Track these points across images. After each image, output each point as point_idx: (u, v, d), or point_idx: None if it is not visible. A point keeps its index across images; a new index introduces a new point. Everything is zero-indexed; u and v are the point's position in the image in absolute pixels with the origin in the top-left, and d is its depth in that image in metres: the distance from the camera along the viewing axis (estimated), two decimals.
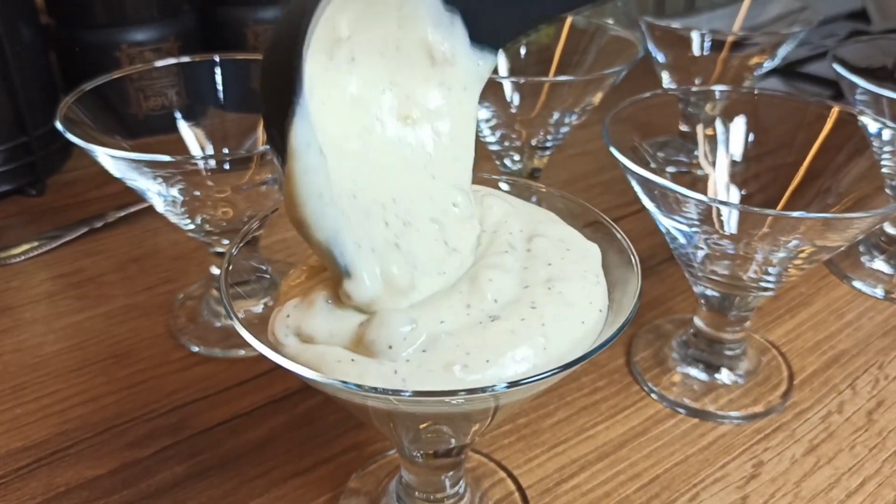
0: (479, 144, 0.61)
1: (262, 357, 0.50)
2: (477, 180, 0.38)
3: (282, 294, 0.32)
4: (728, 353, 0.49)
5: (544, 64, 0.64)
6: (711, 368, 0.49)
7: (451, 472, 0.38)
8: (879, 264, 0.61)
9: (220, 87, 0.55)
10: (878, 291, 0.58)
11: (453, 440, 0.34)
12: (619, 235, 0.33)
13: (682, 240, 0.43)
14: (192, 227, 0.48)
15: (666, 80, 0.73)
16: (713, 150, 0.51)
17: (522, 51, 0.66)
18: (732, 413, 0.47)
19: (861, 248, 0.63)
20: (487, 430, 0.37)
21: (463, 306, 0.29)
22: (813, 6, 0.73)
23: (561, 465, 0.43)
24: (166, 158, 0.41)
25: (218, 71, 0.55)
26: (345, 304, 0.29)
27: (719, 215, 0.40)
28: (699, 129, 0.52)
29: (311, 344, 0.29)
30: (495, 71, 0.65)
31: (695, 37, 0.67)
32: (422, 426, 0.33)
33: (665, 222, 0.43)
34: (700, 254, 0.43)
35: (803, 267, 0.42)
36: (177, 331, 0.53)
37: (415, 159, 0.31)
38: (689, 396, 0.48)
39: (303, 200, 0.26)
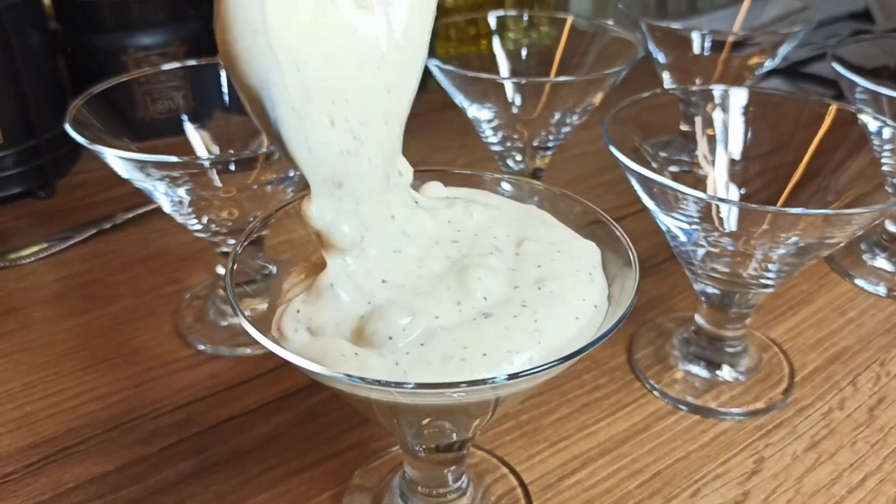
0: (481, 145, 0.62)
1: (267, 355, 0.51)
2: (477, 180, 0.39)
3: (283, 292, 0.33)
4: (729, 350, 0.50)
5: (545, 65, 0.64)
6: (713, 365, 0.50)
7: (453, 467, 0.38)
8: (881, 262, 0.62)
9: (225, 91, 0.56)
10: (881, 289, 0.59)
11: (455, 435, 0.35)
12: (617, 233, 0.34)
13: (682, 237, 0.44)
14: (198, 227, 0.49)
15: (667, 80, 0.73)
16: (713, 149, 0.51)
17: (524, 52, 0.67)
18: (734, 409, 0.47)
19: (863, 247, 0.63)
20: (488, 424, 0.38)
21: (453, 303, 0.30)
22: (814, 6, 0.73)
23: (563, 461, 0.43)
24: (173, 159, 0.42)
25: (223, 74, 0.56)
26: (306, 222, 0.29)
27: (719, 212, 0.40)
28: (698, 128, 0.52)
29: (318, 337, 0.29)
30: (495, 70, 0.65)
31: (695, 37, 0.67)
32: (424, 422, 0.33)
33: (665, 220, 0.43)
34: (700, 251, 0.44)
35: (803, 263, 0.42)
36: (183, 330, 0.53)
37: (367, 54, 0.29)
38: (691, 393, 0.48)
39: (235, 30, 0.25)
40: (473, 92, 0.56)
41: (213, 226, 0.49)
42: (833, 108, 0.47)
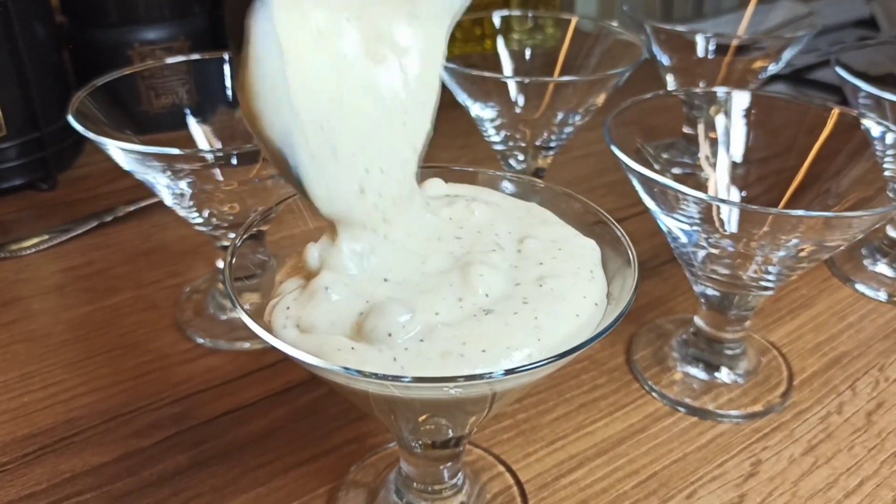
0: (484, 144, 0.62)
1: (265, 350, 0.51)
2: (479, 177, 0.39)
3: (276, 284, 0.33)
4: (728, 352, 0.50)
5: (549, 66, 0.64)
6: (711, 368, 0.50)
7: (449, 464, 0.38)
8: (882, 268, 0.62)
9: (228, 86, 0.56)
10: (881, 295, 0.59)
11: (451, 431, 0.35)
12: (617, 232, 0.34)
13: (683, 239, 0.44)
14: (199, 220, 0.49)
15: (670, 83, 0.73)
16: (715, 151, 0.51)
17: (528, 53, 0.67)
18: (732, 412, 0.47)
19: (864, 252, 0.63)
20: (485, 421, 0.38)
21: (455, 299, 0.30)
22: (819, 12, 0.73)
23: (559, 460, 0.43)
24: (175, 151, 0.42)
25: (227, 69, 0.56)
26: (319, 215, 0.30)
27: (720, 214, 0.40)
28: (701, 130, 0.52)
29: (309, 334, 0.29)
30: (499, 70, 0.66)
31: (699, 40, 0.67)
32: (421, 418, 0.33)
33: (666, 221, 0.43)
34: (701, 253, 0.44)
35: (803, 266, 0.42)
36: (183, 323, 0.54)
37: (392, 112, 0.31)
38: (689, 395, 0.48)
39: (257, 89, 0.26)
40: (477, 91, 0.56)
41: (215, 220, 0.49)
42: (836, 112, 0.47)
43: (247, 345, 0.51)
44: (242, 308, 0.29)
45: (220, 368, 0.50)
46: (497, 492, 0.41)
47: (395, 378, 0.27)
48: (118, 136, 0.48)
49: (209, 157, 0.44)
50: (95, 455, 0.43)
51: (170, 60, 0.56)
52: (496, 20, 0.67)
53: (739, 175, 0.51)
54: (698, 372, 0.50)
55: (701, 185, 0.51)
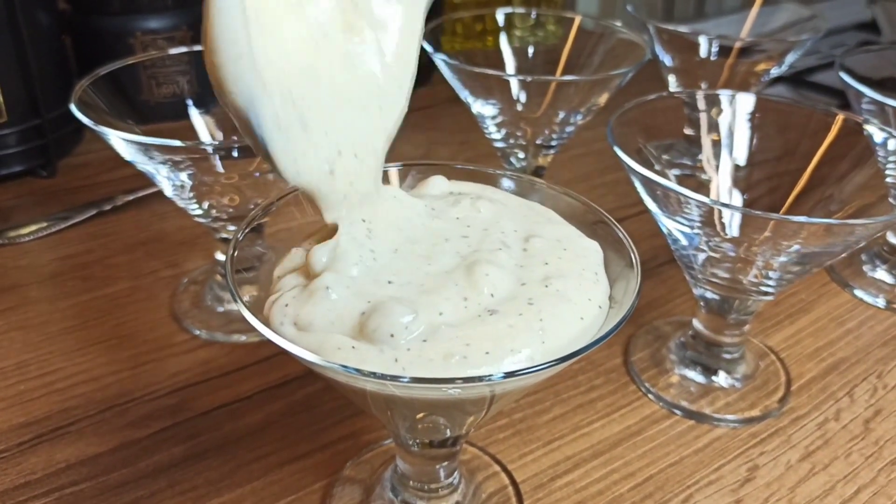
0: (485, 141, 0.62)
1: (262, 343, 0.51)
2: (480, 176, 0.39)
3: (275, 279, 0.33)
4: (726, 356, 0.50)
5: (551, 64, 0.64)
6: (709, 371, 0.50)
7: (445, 463, 0.38)
8: (882, 274, 0.62)
9: None
10: (880, 301, 0.59)
11: (449, 430, 0.34)
12: (620, 234, 0.34)
13: (683, 241, 0.43)
14: (199, 212, 0.49)
15: (672, 83, 0.73)
16: (717, 153, 0.51)
17: (530, 50, 0.67)
18: (729, 416, 0.47)
19: (863, 258, 0.63)
20: (482, 421, 0.37)
21: (460, 299, 0.29)
22: (822, 15, 0.73)
23: (555, 461, 0.43)
24: (177, 143, 0.42)
25: None
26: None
27: (721, 218, 0.40)
28: (703, 132, 0.52)
29: (307, 332, 0.29)
30: (501, 67, 0.65)
31: (702, 41, 0.67)
32: (418, 416, 0.33)
33: (667, 223, 0.43)
34: (701, 256, 0.43)
35: (804, 272, 0.42)
36: (180, 314, 0.53)
37: (368, 94, 0.30)
38: (686, 398, 0.48)
39: (217, 43, 0.26)
40: (478, 87, 0.56)
41: (214, 211, 0.48)
42: (840, 117, 0.47)
43: (243, 337, 0.51)
44: (244, 303, 0.29)
45: (217, 360, 0.49)
46: (492, 492, 0.41)
47: (394, 378, 0.26)
48: (120, 125, 0.48)
49: (210, 149, 0.44)
50: (91, 445, 0.43)
51: (172, 51, 0.56)
52: (499, 17, 0.67)
53: (741, 178, 0.51)
54: (696, 375, 0.50)
55: (702, 187, 0.51)
